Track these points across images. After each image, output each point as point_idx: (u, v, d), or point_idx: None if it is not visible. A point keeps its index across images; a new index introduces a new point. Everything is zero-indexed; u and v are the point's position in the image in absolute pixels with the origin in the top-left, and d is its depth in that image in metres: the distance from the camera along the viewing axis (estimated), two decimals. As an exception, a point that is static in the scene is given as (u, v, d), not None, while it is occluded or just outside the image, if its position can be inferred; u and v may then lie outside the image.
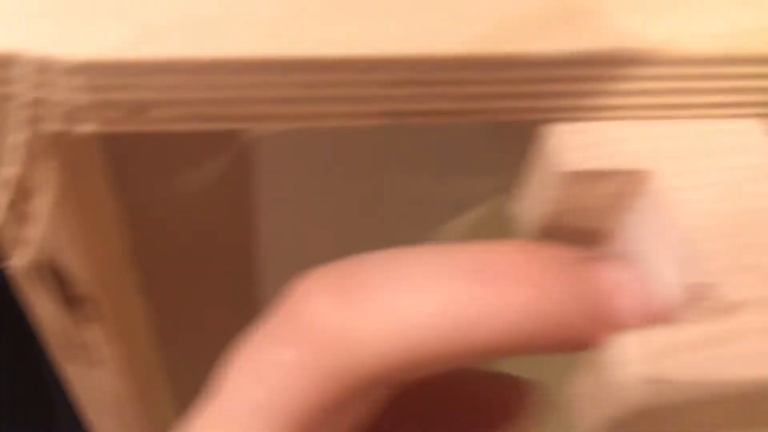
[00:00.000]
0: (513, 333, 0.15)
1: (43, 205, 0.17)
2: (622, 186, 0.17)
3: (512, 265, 0.15)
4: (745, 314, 0.14)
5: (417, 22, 0.16)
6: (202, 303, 0.28)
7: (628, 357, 0.14)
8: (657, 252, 0.16)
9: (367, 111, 0.16)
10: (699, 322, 0.14)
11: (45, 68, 0.14)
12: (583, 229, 0.18)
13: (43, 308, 0.20)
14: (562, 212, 0.17)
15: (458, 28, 0.16)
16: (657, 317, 0.15)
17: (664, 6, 0.17)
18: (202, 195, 0.25)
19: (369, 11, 0.16)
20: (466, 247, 0.15)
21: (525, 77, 0.16)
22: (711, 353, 0.14)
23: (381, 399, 0.17)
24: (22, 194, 0.16)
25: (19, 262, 0.18)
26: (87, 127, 0.15)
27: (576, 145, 0.17)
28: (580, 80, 0.16)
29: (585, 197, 0.17)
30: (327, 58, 0.15)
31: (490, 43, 0.16)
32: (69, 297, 0.19)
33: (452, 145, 0.25)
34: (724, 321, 0.14)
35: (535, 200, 0.18)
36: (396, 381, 0.16)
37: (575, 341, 0.15)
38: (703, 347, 0.14)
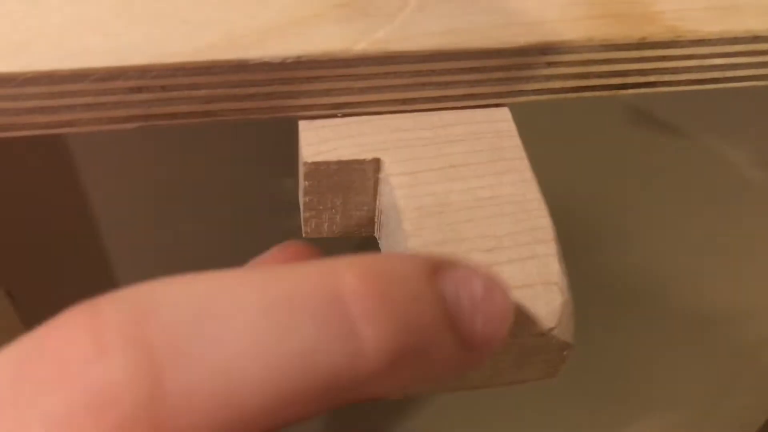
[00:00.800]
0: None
1: None
2: (363, 174, 0.19)
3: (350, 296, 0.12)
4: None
5: (152, 34, 0.17)
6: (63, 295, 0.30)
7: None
8: (394, 229, 0.18)
9: (114, 116, 0.17)
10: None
11: None
12: (350, 211, 0.20)
13: None
14: (323, 197, 0.19)
15: (190, 38, 0.17)
16: None
17: (385, 12, 0.18)
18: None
19: (105, 25, 0.17)
20: (276, 274, 0.12)
21: (256, 80, 0.18)
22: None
23: None
24: None
25: None
26: None
27: (318, 139, 0.19)
28: (311, 81, 0.18)
29: (336, 184, 0.19)
30: (68, 70, 0.17)
31: (219, 50, 0.17)
32: None
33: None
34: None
35: (300, 188, 0.20)
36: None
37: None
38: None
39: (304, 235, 0.20)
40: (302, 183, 0.19)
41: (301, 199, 0.19)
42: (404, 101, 0.19)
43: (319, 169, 0.18)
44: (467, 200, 0.17)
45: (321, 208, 0.19)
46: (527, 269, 0.16)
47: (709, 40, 0.20)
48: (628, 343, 0.47)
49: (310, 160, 0.18)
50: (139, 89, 0.17)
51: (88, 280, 0.30)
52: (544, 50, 0.19)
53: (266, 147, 0.28)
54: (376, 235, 0.20)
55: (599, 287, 0.40)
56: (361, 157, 0.18)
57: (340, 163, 0.18)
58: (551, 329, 0.16)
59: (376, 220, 0.20)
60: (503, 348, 0.16)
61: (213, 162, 0.28)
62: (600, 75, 0.20)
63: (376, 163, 0.18)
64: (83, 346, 0.11)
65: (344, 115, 0.19)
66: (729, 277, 0.44)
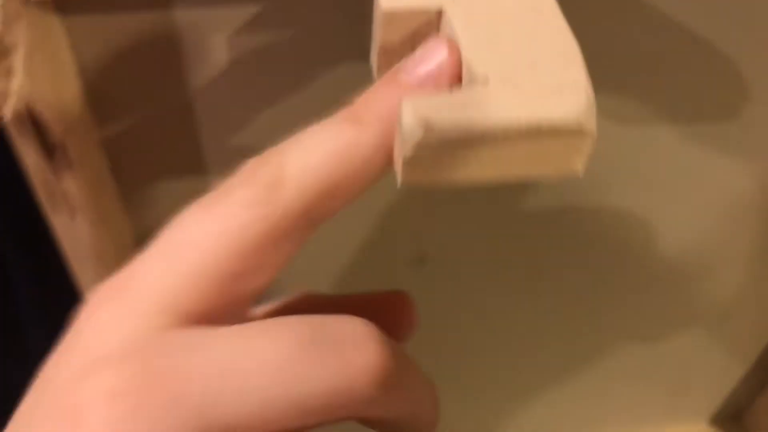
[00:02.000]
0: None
1: (19, 59, 0.23)
2: (429, 23, 0.24)
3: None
4: (489, 83, 0.21)
5: None
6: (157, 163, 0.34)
7: (408, 111, 0.20)
8: None
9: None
10: (462, 90, 0.21)
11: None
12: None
13: (28, 157, 0.26)
14: (394, 43, 0.24)
15: None
16: None
17: None
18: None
19: None
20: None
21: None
22: (467, 109, 0.20)
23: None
24: (3, 50, 0.23)
25: (6, 113, 0.25)
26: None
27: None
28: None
29: (406, 30, 0.24)
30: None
31: None
32: (47, 145, 0.26)
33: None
34: (476, 89, 0.21)
35: (374, 36, 0.24)
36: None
37: None
38: (462, 105, 0.20)
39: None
40: (377, 32, 0.24)
41: (375, 48, 0.24)
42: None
43: (394, 15, 0.23)
44: (513, 36, 0.22)
45: (392, 54, 0.24)
46: (560, 75, 0.21)
47: None
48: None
49: (387, 7, 0.23)
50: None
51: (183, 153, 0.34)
52: None
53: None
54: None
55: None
56: (428, 7, 0.23)
57: (412, 11, 0.23)
58: (578, 118, 0.20)
59: None
60: (535, 136, 0.20)
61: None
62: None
63: (439, 13, 0.23)
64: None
65: None
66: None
